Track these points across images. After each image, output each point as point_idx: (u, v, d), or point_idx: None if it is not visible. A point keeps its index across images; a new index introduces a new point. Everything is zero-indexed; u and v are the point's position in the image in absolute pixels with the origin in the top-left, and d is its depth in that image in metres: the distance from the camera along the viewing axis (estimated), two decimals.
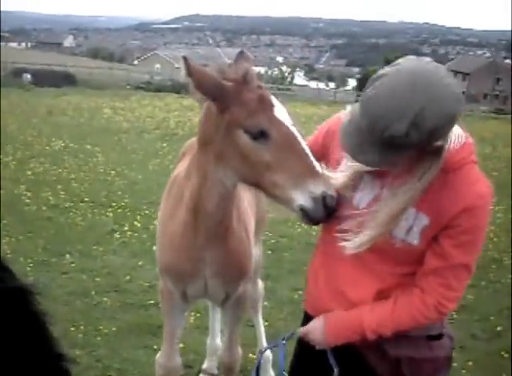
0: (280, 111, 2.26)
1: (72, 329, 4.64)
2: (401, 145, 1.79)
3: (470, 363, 4.64)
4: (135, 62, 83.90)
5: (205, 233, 2.61)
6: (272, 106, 2.25)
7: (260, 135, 2.18)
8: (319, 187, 2.09)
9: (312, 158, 2.14)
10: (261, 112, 2.21)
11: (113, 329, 4.76)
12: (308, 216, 2.12)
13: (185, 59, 2.19)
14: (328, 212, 2.10)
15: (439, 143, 1.86)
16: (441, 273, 2.04)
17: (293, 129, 2.21)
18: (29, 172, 10.10)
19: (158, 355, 3.23)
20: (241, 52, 2.53)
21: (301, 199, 2.10)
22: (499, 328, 5.35)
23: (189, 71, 2.21)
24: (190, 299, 3.03)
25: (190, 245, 2.69)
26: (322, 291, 2.29)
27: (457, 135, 2.04)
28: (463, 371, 4.53)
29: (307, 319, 2.40)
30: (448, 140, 1.95)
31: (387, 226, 1.98)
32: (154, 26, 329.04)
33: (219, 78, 2.27)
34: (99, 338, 4.58)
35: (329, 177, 2.13)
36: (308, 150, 2.16)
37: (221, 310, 3.36)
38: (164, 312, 3.16)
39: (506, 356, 4.82)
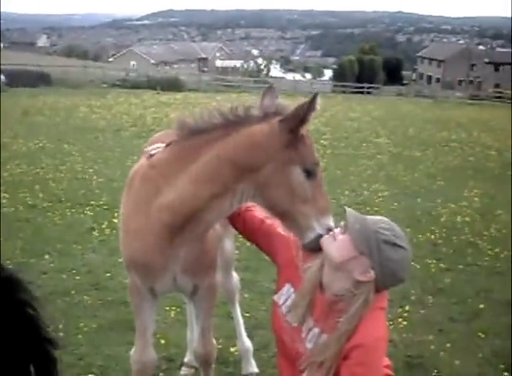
0: None
1: (52, 328, 4.64)
2: None
3: (449, 345, 4.72)
4: (110, 59, 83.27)
5: (188, 235, 2.66)
6: (314, 144, 2.57)
7: (311, 174, 2.48)
8: (331, 221, 2.50)
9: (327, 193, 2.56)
10: (314, 153, 2.53)
11: (94, 326, 4.77)
12: (318, 244, 2.43)
13: (316, 95, 2.50)
14: None
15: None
16: None
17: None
18: (6, 174, 10.02)
19: (132, 350, 3.24)
20: (270, 88, 2.71)
21: (319, 229, 2.46)
22: (476, 310, 5.45)
23: (314, 107, 2.49)
24: (159, 293, 3.06)
25: (166, 244, 2.70)
26: None
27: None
28: (442, 353, 4.61)
29: None
30: None
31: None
32: (128, 23, 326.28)
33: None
34: (80, 336, 4.58)
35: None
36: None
37: (192, 303, 3.38)
38: (134, 308, 3.17)
39: (483, 336, 4.92)
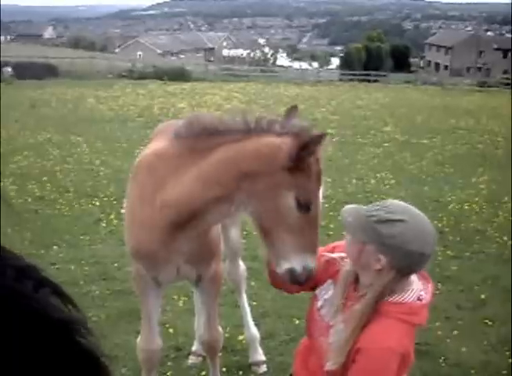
0: (322, 189, 2.53)
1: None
2: None
3: (455, 332, 4.74)
4: (117, 50, 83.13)
5: (190, 231, 2.68)
6: (320, 184, 2.51)
7: (304, 207, 2.43)
8: (312, 263, 2.44)
9: (318, 236, 2.50)
10: (315, 190, 2.47)
11: (103, 316, 4.82)
12: (291, 277, 2.46)
13: (324, 135, 2.42)
14: (305, 282, 2.48)
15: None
16: None
17: (321, 207, 2.52)
18: (13, 166, 10.08)
19: (138, 339, 3.28)
20: (294, 107, 2.66)
21: (294, 263, 2.44)
22: (483, 297, 5.45)
23: (317, 144, 2.41)
24: (163, 283, 3.09)
25: (168, 238, 2.73)
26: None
27: (414, 290, 2.27)
28: (448, 340, 4.63)
29: None
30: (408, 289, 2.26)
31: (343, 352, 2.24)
32: (134, 13, 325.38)
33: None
34: (88, 327, 4.61)
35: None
36: (319, 227, 2.50)
37: (197, 292, 3.41)
38: (139, 297, 3.21)
39: (489, 323, 4.93)
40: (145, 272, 2.98)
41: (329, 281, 2.47)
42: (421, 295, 2.25)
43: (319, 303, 2.47)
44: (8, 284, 0.83)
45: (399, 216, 2.16)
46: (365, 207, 2.29)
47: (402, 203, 2.28)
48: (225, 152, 2.51)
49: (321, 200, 2.51)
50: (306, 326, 2.62)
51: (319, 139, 2.40)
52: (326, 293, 2.46)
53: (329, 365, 2.27)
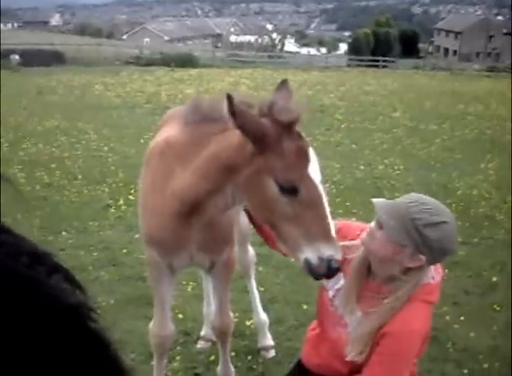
0: (313, 166, 2.29)
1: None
2: None
3: (463, 318, 4.74)
4: (124, 37, 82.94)
5: (197, 220, 2.69)
6: (307, 161, 2.28)
7: (289, 191, 2.24)
8: (327, 251, 2.24)
9: (329, 220, 2.27)
10: (296, 168, 2.24)
11: (112, 302, 4.84)
12: (310, 269, 2.27)
13: (229, 98, 2.19)
14: (330, 273, 2.28)
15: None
16: None
17: (321, 189, 2.28)
18: (22, 153, 10.10)
19: (151, 324, 3.30)
20: (284, 82, 2.57)
21: (309, 254, 2.26)
22: (491, 283, 5.45)
23: (232, 111, 2.20)
24: (177, 269, 3.09)
25: (178, 226, 2.74)
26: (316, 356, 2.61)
27: (429, 270, 2.29)
28: (456, 326, 4.63)
29: (299, 367, 2.74)
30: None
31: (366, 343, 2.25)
32: None
33: (261, 120, 2.27)
34: (97, 312, 4.64)
35: (338, 242, 2.28)
36: (327, 211, 2.27)
37: (209, 278, 3.42)
38: (152, 283, 3.22)
39: (498, 309, 4.93)
40: (159, 258, 2.98)
41: None
42: (433, 275, 2.29)
43: (331, 293, 2.46)
44: (21, 271, 0.84)
45: (443, 218, 2.17)
46: (400, 206, 2.19)
47: (433, 200, 2.25)
48: (212, 144, 2.45)
49: (317, 179, 2.29)
50: (318, 316, 2.62)
51: (289, 121, 2.26)
52: (337, 283, 2.44)
53: (352, 356, 2.28)
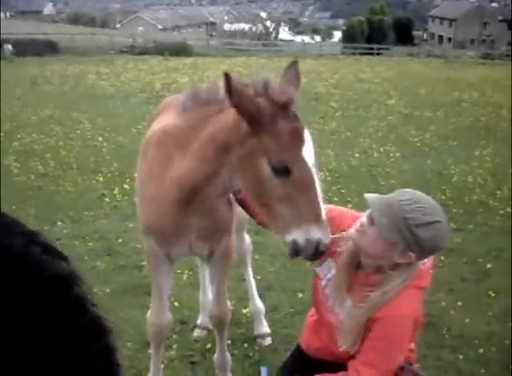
0: (307, 148, 2.30)
1: None
2: None
3: (459, 304, 4.76)
4: (118, 25, 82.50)
5: (197, 207, 2.69)
6: (301, 143, 2.28)
7: (281, 171, 2.24)
8: (317, 233, 2.26)
9: (321, 203, 2.28)
10: (290, 149, 2.24)
11: (108, 291, 4.85)
12: (295, 251, 2.29)
13: (226, 76, 2.19)
14: (316, 256, 2.31)
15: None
16: (354, 366, 2.28)
17: (313, 171, 2.28)
18: (16, 143, 10.06)
19: (149, 313, 3.30)
20: (294, 63, 2.57)
21: (296, 235, 2.28)
22: (486, 269, 5.47)
23: (229, 89, 2.20)
24: (175, 258, 3.09)
25: (178, 214, 2.74)
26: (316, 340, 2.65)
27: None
28: (452, 312, 4.65)
29: (299, 352, 2.79)
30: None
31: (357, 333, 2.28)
32: None
33: (257, 99, 2.26)
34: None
35: (327, 226, 2.28)
36: (319, 194, 2.28)
37: (207, 266, 3.42)
38: (150, 272, 3.22)
39: (493, 295, 4.95)
40: (157, 247, 2.98)
41: (329, 260, 2.47)
42: (424, 260, 2.31)
43: (323, 283, 2.48)
44: (18, 251, 0.85)
45: (435, 217, 2.16)
46: (393, 203, 2.18)
47: (426, 197, 2.24)
48: (209, 126, 2.46)
49: (311, 162, 2.29)
50: (314, 303, 2.64)
51: (282, 102, 2.25)
52: (329, 272, 2.47)
53: (345, 348, 2.31)
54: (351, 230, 2.33)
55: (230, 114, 2.35)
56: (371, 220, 2.20)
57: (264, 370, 2.70)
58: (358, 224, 2.29)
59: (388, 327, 2.22)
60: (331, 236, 2.33)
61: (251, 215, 2.81)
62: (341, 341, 2.32)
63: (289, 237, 2.31)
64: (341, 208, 2.62)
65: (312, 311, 2.76)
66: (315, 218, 2.27)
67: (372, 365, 2.23)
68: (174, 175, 2.62)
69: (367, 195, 2.23)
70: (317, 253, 2.30)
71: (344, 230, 2.40)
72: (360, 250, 2.27)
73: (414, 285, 2.27)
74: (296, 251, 2.31)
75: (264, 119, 2.25)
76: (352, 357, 2.32)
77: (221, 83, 2.28)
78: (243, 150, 2.33)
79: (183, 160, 2.57)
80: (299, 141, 2.28)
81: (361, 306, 2.26)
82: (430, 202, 2.20)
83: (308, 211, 2.26)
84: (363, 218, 2.27)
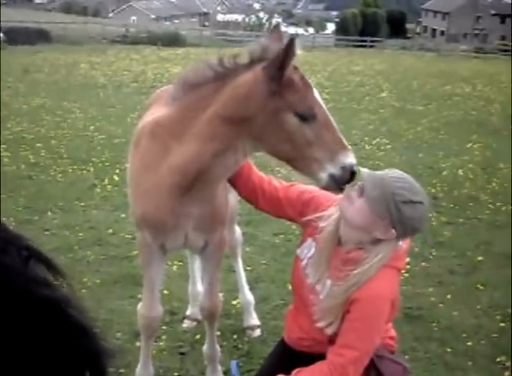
0: (316, 92, 2.50)
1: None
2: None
3: (448, 297, 4.78)
4: (110, 15, 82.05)
5: (196, 194, 2.68)
6: (312, 88, 2.47)
7: (308, 118, 2.41)
8: (348, 158, 2.45)
9: (340, 134, 2.49)
10: (308, 95, 2.44)
11: (98, 281, 4.83)
12: (335, 181, 2.46)
13: (293, 40, 2.34)
14: (351, 179, 2.46)
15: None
16: (335, 351, 2.30)
17: (324, 106, 2.49)
18: (7, 132, 9.99)
19: (139, 305, 3.29)
20: (276, 27, 2.68)
21: (331, 168, 2.43)
22: (475, 262, 5.50)
23: (291, 53, 2.35)
24: (169, 250, 3.09)
25: (176, 203, 2.73)
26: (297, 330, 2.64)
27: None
28: (441, 305, 4.67)
29: (282, 345, 2.80)
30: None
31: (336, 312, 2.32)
32: None
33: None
34: (83, 291, 4.64)
35: (350, 149, 2.50)
36: (336, 127, 2.49)
37: (199, 258, 3.42)
38: (142, 264, 3.21)
39: (481, 288, 4.98)
40: (151, 240, 2.97)
41: (310, 240, 2.52)
42: (400, 243, 2.36)
43: (304, 262, 2.51)
44: None
45: (420, 197, 2.25)
46: (384, 178, 2.27)
47: (413, 179, 2.32)
48: (210, 105, 2.50)
49: (320, 100, 2.48)
50: (293, 287, 2.66)
51: (287, 51, 2.36)
52: (309, 251, 2.51)
53: (321, 325, 2.32)
54: (339, 200, 2.41)
55: (239, 88, 2.44)
56: (361, 192, 2.27)
57: (233, 363, 2.72)
58: (344, 196, 2.38)
59: (365, 308, 2.25)
60: (313, 215, 2.46)
61: (250, 198, 2.80)
62: (319, 318, 2.35)
63: (324, 175, 2.44)
64: (319, 190, 2.64)
65: (292, 305, 2.77)
66: (342, 146, 2.47)
67: (353, 347, 2.25)
68: (173, 163, 2.62)
69: (361, 168, 2.37)
70: (352, 176, 2.45)
71: (324, 210, 2.48)
72: (345, 219, 2.32)
73: (391, 265, 2.31)
74: (336, 181, 2.44)
75: (283, 77, 2.38)
76: (333, 341, 2.33)
77: (209, 62, 2.51)
78: (265, 114, 2.42)
79: (182, 147, 2.58)
80: (310, 86, 2.46)
81: (340, 285, 2.29)
82: (417, 185, 2.29)
83: (335, 143, 2.45)
84: (353, 191, 2.34)
